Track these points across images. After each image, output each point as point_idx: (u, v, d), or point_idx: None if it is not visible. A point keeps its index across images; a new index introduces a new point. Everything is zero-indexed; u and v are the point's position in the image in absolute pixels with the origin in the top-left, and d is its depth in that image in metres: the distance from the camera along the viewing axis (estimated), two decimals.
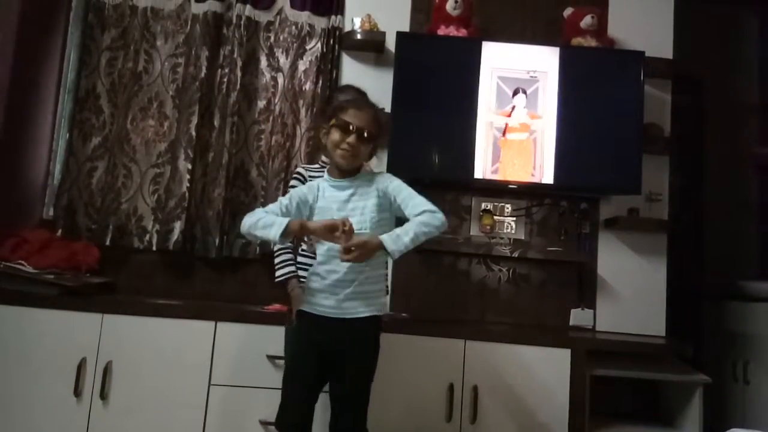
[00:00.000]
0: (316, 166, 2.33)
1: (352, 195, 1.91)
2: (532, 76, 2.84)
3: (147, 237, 2.84)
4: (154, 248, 2.82)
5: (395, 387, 2.35)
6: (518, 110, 2.82)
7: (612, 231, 2.97)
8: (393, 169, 2.75)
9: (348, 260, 1.76)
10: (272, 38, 3.00)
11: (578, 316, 2.87)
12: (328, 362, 1.88)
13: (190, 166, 2.84)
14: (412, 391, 2.38)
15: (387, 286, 2.09)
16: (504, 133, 2.82)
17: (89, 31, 2.93)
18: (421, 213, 1.83)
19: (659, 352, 2.72)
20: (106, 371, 2.33)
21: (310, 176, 2.22)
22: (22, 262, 2.45)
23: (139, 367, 2.35)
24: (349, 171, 1.94)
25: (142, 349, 2.36)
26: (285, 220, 1.80)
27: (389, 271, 2.86)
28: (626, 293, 2.93)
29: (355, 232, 1.79)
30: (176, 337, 2.35)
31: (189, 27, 2.96)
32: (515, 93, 2.83)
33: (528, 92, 2.83)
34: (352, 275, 1.85)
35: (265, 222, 1.82)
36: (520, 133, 2.82)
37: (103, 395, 2.32)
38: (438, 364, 2.40)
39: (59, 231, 2.78)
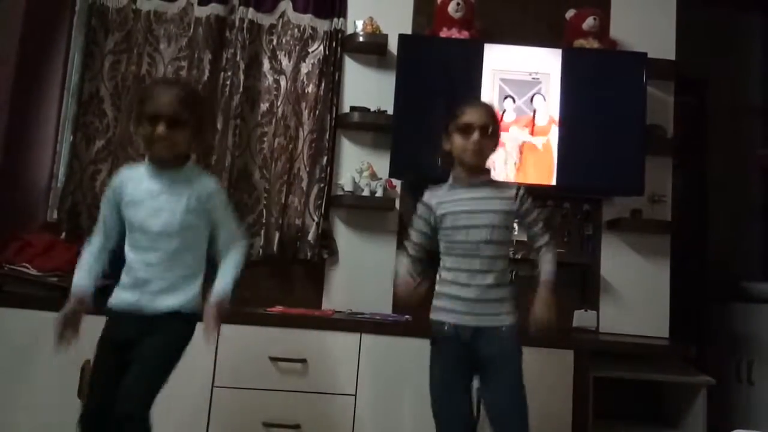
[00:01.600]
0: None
1: (165, 190, 1.85)
2: (534, 78, 2.84)
3: None
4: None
5: (409, 392, 2.36)
6: (508, 114, 2.82)
7: (615, 232, 2.97)
8: (395, 169, 2.76)
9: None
10: (275, 41, 3.01)
11: (581, 318, 2.87)
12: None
13: None
14: (412, 395, 2.38)
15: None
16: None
17: (92, 35, 2.95)
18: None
19: (663, 353, 2.72)
20: None
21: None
22: (26, 264, 2.45)
23: None
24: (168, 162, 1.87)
25: None
26: None
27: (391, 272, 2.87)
28: (629, 294, 2.93)
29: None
30: None
31: (192, 30, 2.97)
32: (504, 98, 2.83)
33: (520, 98, 2.83)
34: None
35: None
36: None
37: None
38: None
39: (63, 234, 2.78)
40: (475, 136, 1.89)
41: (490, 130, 1.91)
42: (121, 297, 1.88)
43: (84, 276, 1.89)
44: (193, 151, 1.96)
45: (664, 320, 2.90)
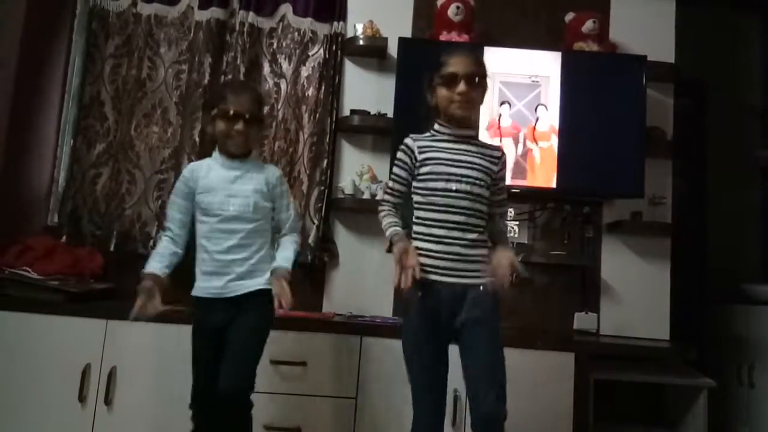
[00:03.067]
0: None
1: (238, 177, 2.02)
2: (534, 81, 2.84)
3: (151, 243, 2.85)
4: None
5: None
6: (504, 119, 2.83)
7: (615, 235, 2.97)
8: None
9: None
10: (275, 45, 3.01)
11: (582, 320, 2.87)
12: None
13: None
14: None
15: None
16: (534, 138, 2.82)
17: (93, 39, 2.96)
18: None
19: (663, 355, 2.72)
20: (111, 377, 2.34)
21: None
22: (27, 268, 2.46)
23: (143, 373, 2.36)
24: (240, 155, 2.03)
25: (146, 354, 2.37)
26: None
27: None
28: (630, 297, 2.93)
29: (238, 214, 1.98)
30: (180, 342, 2.35)
31: (192, 34, 2.98)
32: (501, 104, 2.83)
33: (520, 101, 2.83)
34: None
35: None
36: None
37: (108, 401, 2.33)
38: None
39: (63, 237, 2.79)
40: (461, 86, 1.81)
41: (477, 79, 1.83)
42: (205, 285, 1.99)
43: (155, 261, 1.99)
44: (255, 146, 2.17)
45: (664, 322, 2.90)
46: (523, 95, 2.84)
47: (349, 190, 2.87)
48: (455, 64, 1.84)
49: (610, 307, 2.93)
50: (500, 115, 2.82)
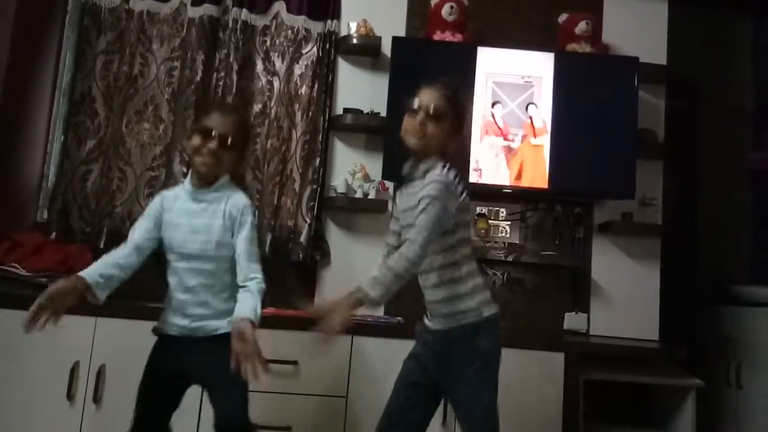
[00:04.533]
0: None
1: (203, 210, 1.87)
2: (526, 82, 2.85)
3: None
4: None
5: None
6: (497, 119, 2.83)
7: (606, 235, 2.98)
8: (388, 172, 2.76)
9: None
10: (268, 42, 3.00)
11: (572, 320, 2.88)
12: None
13: (185, 170, 2.83)
14: None
15: None
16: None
17: (85, 35, 2.93)
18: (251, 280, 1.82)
19: (653, 356, 2.74)
20: (99, 375, 2.32)
21: None
22: (16, 264, 2.44)
23: (132, 372, 2.32)
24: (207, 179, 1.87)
25: (135, 353, 2.33)
26: None
27: None
28: (620, 297, 2.94)
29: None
30: None
31: (185, 31, 2.96)
32: (494, 104, 2.84)
33: (513, 101, 2.84)
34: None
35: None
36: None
37: (96, 399, 2.31)
38: None
39: (53, 234, 2.77)
40: (420, 116, 1.76)
41: (439, 113, 1.77)
42: (169, 321, 1.89)
43: (95, 268, 1.81)
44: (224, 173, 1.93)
45: (654, 323, 2.91)
46: (515, 95, 2.84)
47: (341, 189, 2.87)
48: (421, 95, 1.80)
49: (600, 308, 2.94)
50: (493, 115, 2.83)
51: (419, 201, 1.69)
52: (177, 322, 1.87)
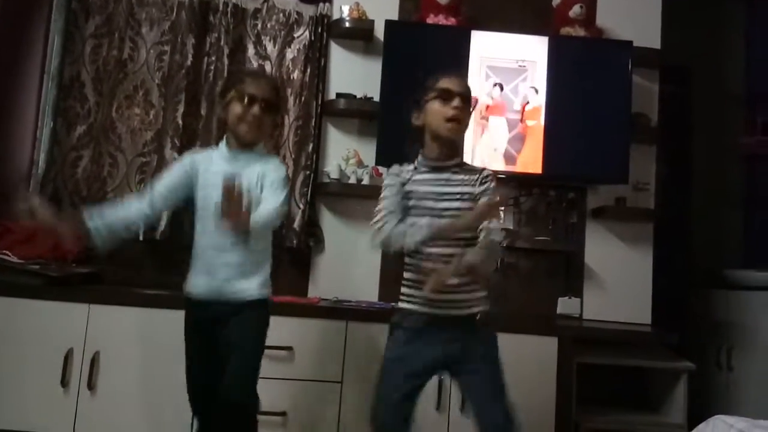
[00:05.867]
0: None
1: (237, 172, 1.83)
2: (521, 66, 2.84)
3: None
4: (141, 238, 2.78)
5: None
6: (495, 101, 2.82)
7: (599, 220, 2.99)
8: (382, 157, 2.75)
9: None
10: (259, 26, 2.97)
11: (565, 305, 2.90)
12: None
13: (176, 156, 2.81)
14: None
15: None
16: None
17: (73, 18, 2.89)
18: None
19: (645, 340, 2.76)
20: (94, 361, 2.32)
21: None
22: (7, 252, 2.42)
23: (126, 358, 2.34)
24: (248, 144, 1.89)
25: (129, 339, 2.35)
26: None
27: (378, 260, 2.87)
28: (613, 282, 2.96)
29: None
30: (164, 327, 2.34)
31: (175, 14, 2.92)
32: (494, 86, 2.82)
33: (507, 85, 2.83)
34: None
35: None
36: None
37: (91, 385, 2.31)
38: None
39: None
40: (456, 102, 1.76)
41: (467, 102, 1.79)
42: (197, 283, 1.90)
43: (101, 216, 1.82)
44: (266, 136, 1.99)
45: (646, 307, 2.93)
46: (509, 79, 2.83)
47: (334, 175, 2.85)
48: (450, 82, 1.80)
49: (594, 292, 2.95)
50: (492, 98, 2.82)
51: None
52: (206, 283, 1.88)
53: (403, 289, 1.83)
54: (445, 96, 1.77)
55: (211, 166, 1.91)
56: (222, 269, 1.86)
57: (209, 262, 1.88)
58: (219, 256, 1.86)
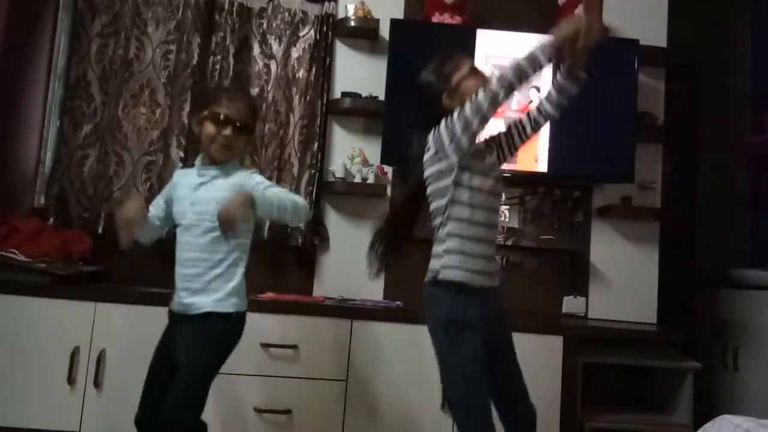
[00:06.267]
0: None
1: (203, 183, 1.89)
2: None
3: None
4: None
5: (396, 377, 2.37)
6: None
7: (605, 219, 2.98)
8: (387, 156, 2.75)
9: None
10: (265, 25, 2.97)
11: (570, 304, 2.89)
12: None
13: (182, 154, 2.82)
14: (402, 381, 2.39)
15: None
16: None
17: (79, 17, 2.89)
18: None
19: (651, 339, 2.75)
20: (100, 359, 2.33)
21: None
22: (14, 250, 2.43)
23: (132, 356, 2.34)
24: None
25: (135, 337, 2.36)
26: None
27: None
28: (618, 281, 2.95)
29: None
30: None
31: (180, 13, 2.92)
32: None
33: None
34: None
35: None
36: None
37: (97, 383, 2.32)
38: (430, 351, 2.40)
39: (51, 219, 2.76)
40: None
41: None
42: (173, 299, 1.91)
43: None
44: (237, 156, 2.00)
45: (652, 306, 2.93)
46: None
47: (339, 174, 2.85)
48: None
49: (599, 291, 2.95)
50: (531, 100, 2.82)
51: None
52: (175, 298, 1.90)
53: (470, 266, 1.73)
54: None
55: (183, 179, 1.95)
56: (182, 281, 1.86)
57: (179, 275, 1.88)
58: (183, 268, 1.87)
